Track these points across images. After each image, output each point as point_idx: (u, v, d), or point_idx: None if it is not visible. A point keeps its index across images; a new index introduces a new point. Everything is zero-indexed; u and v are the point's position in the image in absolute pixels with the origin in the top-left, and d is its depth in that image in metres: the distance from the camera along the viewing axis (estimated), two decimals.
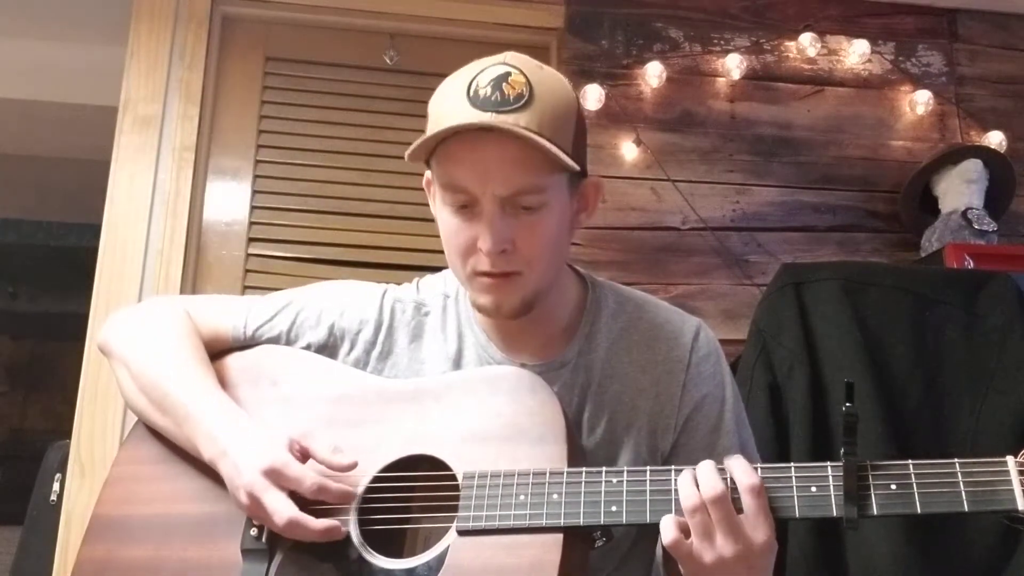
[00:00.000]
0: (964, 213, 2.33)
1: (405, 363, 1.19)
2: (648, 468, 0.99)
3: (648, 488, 0.97)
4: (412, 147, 1.05)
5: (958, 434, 1.67)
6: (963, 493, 0.90)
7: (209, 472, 1.09)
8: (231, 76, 2.43)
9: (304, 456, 1.05)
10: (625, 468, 1.02)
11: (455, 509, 1.00)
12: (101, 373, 2.06)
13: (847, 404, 0.93)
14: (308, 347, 1.21)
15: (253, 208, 2.34)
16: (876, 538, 1.56)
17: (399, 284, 1.27)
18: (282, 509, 1.00)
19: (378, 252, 2.32)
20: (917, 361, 1.72)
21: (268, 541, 1.05)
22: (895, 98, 2.60)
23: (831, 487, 0.93)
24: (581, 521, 0.97)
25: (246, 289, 2.25)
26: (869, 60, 2.60)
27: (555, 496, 0.98)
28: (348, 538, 1.02)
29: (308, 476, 1.02)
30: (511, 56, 1.07)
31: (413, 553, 1.02)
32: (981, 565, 1.57)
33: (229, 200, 2.34)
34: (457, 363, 1.18)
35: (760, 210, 2.46)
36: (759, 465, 0.97)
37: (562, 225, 1.09)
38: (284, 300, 1.25)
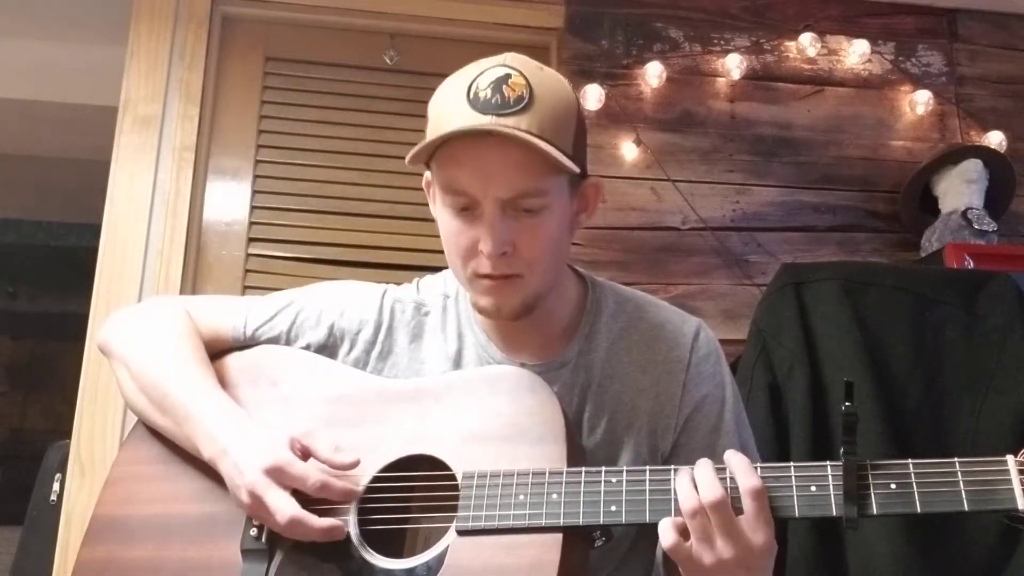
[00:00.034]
0: (964, 213, 2.33)
1: (405, 363, 1.19)
2: (647, 468, 0.99)
3: (647, 488, 0.97)
4: (413, 151, 1.05)
5: (958, 434, 1.67)
6: (963, 492, 0.90)
7: (209, 472, 1.09)
8: (231, 76, 2.43)
9: (305, 455, 1.05)
10: (624, 468, 1.02)
11: (455, 509, 1.00)
12: (101, 373, 2.06)
13: (847, 403, 0.93)
14: (308, 347, 1.21)
15: (253, 208, 2.34)
16: (876, 538, 1.56)
17: (399, 284, 1.27)
18: (284, 508, 1.00)
19: (378, 252, 2.32)
20: (917, 361, 1.72)
21: (268, 541, 1.05)
22: (895, 98, 2.60)
23: (831, 486, 0.93)
24: (580, 521, 0.97)
25: (246, 289, 2.24)
26: (869, 60, 2.60)
27: (555, 496, 0.98)
28: (348, 538, 1.02)
29: (312, 473, 1.02)
30: (511, 57, 1.07)
31: (413, 553, 1.02)
32: (981, 565, 1.57)
33: (229, 200, 2.34)
34: (457, 363, 1.18)
35: (760, 210, 2.46)
36: (759, 464, 0.96)
37: (562, 226, 1.09)
38: (284, 300, 1.25)
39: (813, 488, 0.94)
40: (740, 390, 1.23)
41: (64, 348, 4.24)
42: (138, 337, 1.20)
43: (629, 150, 2.42)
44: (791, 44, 2.59)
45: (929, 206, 2.46)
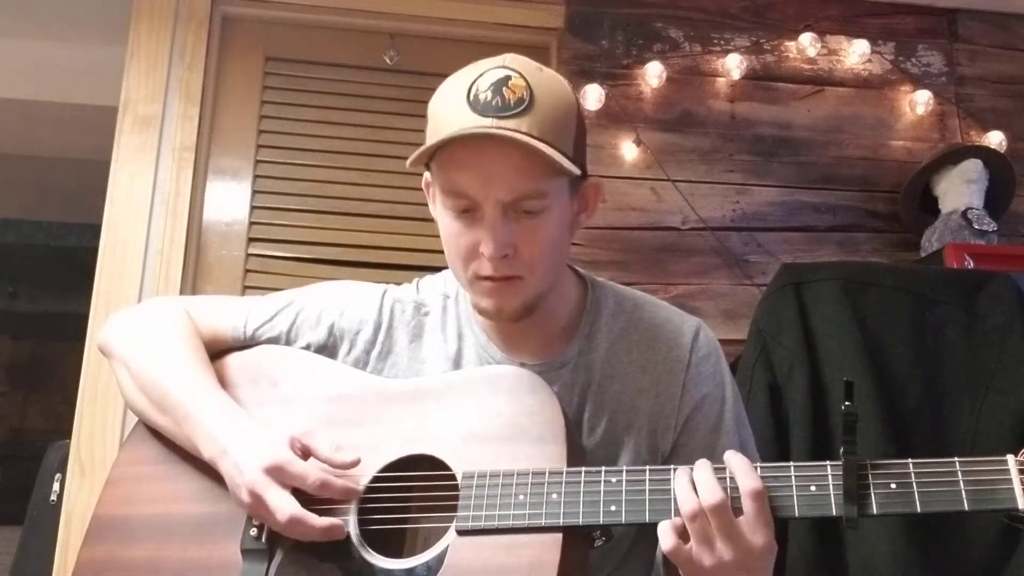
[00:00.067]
0: (964, 213, 2.33)
1: (405, 363, 1.19)
2: (647, 468, 0.99)
3: (647, 488, 0.97)
4: (414, 155, 1.05)
5: (958, 434, 1.67)
6: (963, 492, 0.90)
7: (209, 472, 1.09)
8: (231, 76, 2.43)
9: (305, 454, 1.05)
10: (624, 468, 1.02)
11: (455, 509, 1.00)
12: (101, 373, 2.06)
13: (846, 403, 0.93)
14: (308, 347, 1.21)
15: (253, 208, 2.34)
16: (876, 538, 1.56)
17: (399, 284, 1.27)
18: (284, 507, 1.00)
19: (378, 252, 2.32)
20: (917, 361, 1.72)
21: (268, 541, 1.05)
22: (895, 98, 2.60)
23: (831, 486, 0.93)
24: (580, 521, 0.97)
25: (246, 289, 2.24)
26: (869, 60, 2.60)
27: (554, 496, 0.98)
28: (348, 538, 1.02)
29: (312, 472, 1.02)
30: (511, 59, 1.07)
31: (413, 553, 1.02)
32: (981, 565, 1.57)
33: (229, 200, 2.34)
34: (457, 363, 1.18)
35: (760, 210, 2.46)
36: (759, 464, 0.97)
37: (563, 227, 1.09)
38: (284, 300, 1.25)
39: (813, 488, 0.94)
40: (740, 390, 1.23)
41: (64, 348, 4.24)
42: (138, 337, 1.20)
43: (629, 150, 2.42)
44: (791, 44, 2.59)
45: (929, 206, 2.46)
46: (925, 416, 1.69)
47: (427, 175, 1.13)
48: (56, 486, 2.17)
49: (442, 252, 1.11)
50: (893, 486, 0.92)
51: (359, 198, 2.37)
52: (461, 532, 0.99)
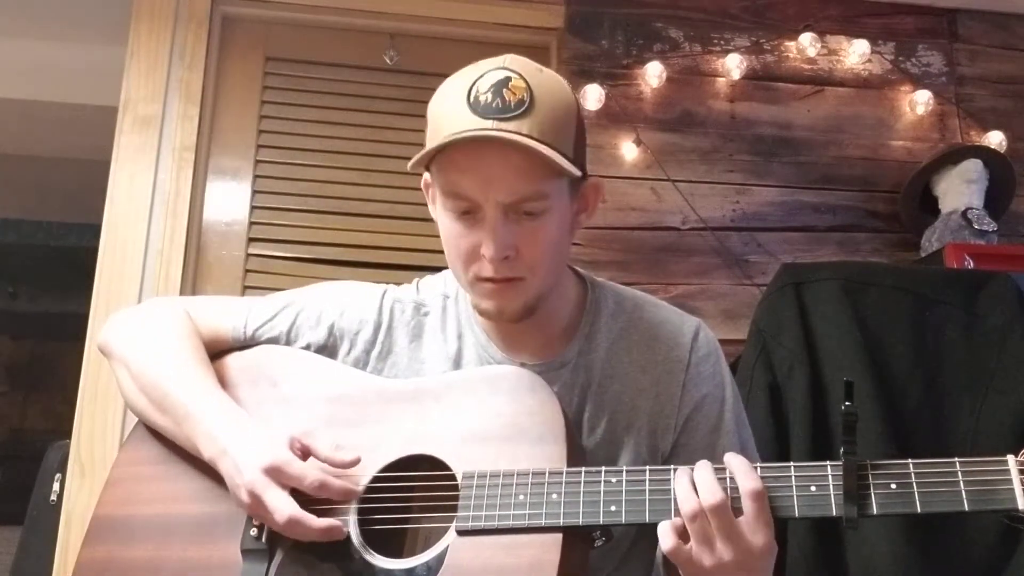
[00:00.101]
0: (964, 213, 2.33)
1: (405, 363, 1.19)
2: (647, 468, 0.99)
3: (647, 488, 0.97)
4: (415, 158, 1.05)
5: (958, 434, 1.67)
6: (963, 492, 0.90)
7: (209, 472, 1.09)
8: (231, 76, 2.43)
9: (305, 454, 1.05)
10: (624, 468, 1.02)
11: (455, 509, 1.00)
12: (101, 373, 2.06)
13: (846, 403, 0.93)
14: (308, 347, 1.21)
15: (253, 208, 2.34)
16: (876, 538, 1.56)
17: (399, 284, 1.27)
18: (283, 507, 1.00)
19: (378, 252, 2.32)
20: (917, 361, 1.72)
21: (268, 541, 1.05)
22: (895, 98, 2.60)
23: (831, 486, 0.93)
24: (580, 521, 0.97)
25: (246, 289, 2.25)
26: (869, 60, 2.60)
27: (554, 496, 0.98)
28: (348, 538, 1.02)
29: (310, 473, 1.02)
30: (510, 60, 1.06)
31: (413, 553, 1.02)
32: (981, 565, 1.57)
33: (229, 200, 2.34)
34: (457, 363, 1.18)
35: (760, 210, 2.46)
36: (759, 465, 0.97)
37: (563, 228, 1.09)
38: (284, 301, 1.25)
39: (813, 488, 0.94)
40: (740, 390, 1.23)
41: (64, 348, 4.24)
42: (138, 338, 1.20)
43: (629, 150, 2.42)
44: (791, 44, 2.59)
45: (929, 206, 2.46)
46: (925, 416, 1.69)
47: (426, 176, 1.13)
48: (56, 486, 2.17)
49: (442, 252, 1.11)
50: (893, 486, 0.92)
51: (359, 198, 2.37)
52: (461, 532, 0.99)
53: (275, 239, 2.32)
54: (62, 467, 2.10)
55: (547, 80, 1.06)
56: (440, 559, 0.98)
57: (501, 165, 1.01)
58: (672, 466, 0.98)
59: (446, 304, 1.23)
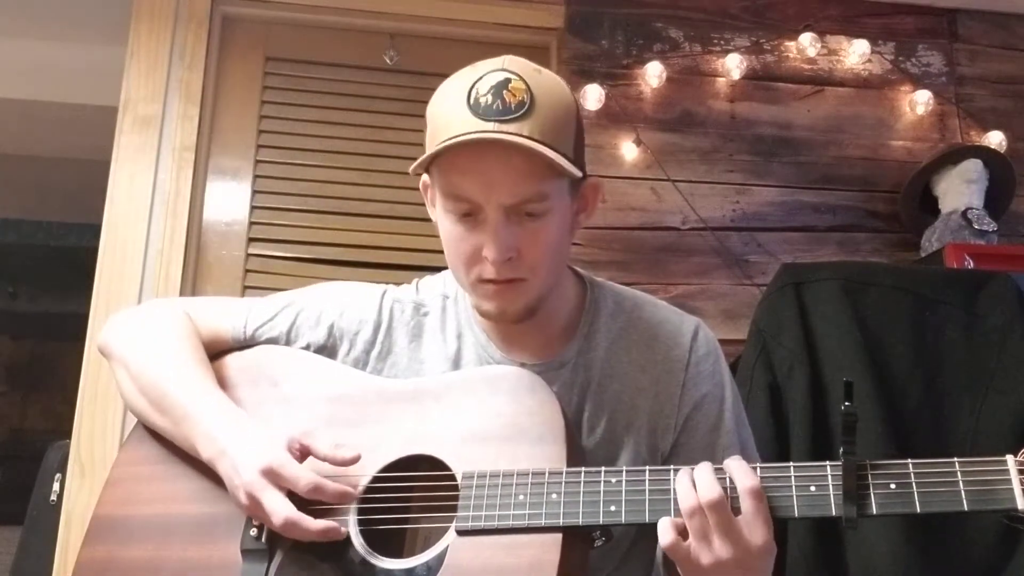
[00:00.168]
0: (964, 213, 2.33)
1: (405, 363, 1.19)
2: (647, 468, 0.99)
3: (647, 488, 0.97)
4: (417, 162, 1.05)
5: (958, 434, 1.67)
6: (962, 492, 0.90)
7: (209, 472, 1.09)
8: (231, 76, 2.43)
9: (304, 455, 1.05)
10: (624, 468, 1.02)
11: (455, 509, 1.00)
12: (101, 373, 2.06)
13: (846, 403, 0.93)
14: (307, 347, 1.21)
15: (253, 208, 2.34)
16: (876, 538, 1.56)
17: (399, 284, 1.27)
18: (280, 509, 1.00)
19: (378, 252, 2.32)
20: (917, 361, 1.72)
21: (268, 541, 1.05)
22: (895, 98, 2.60)
23: (830, 486, 0.93)
24: (580, 521, 0.97)
25: (246, 289, 2.25)
26: (869, 60, 2.60)
27: (554, 496, 0.98)
28: (348, 538, 1.02)
29: (304, 476, 1.02)
30: (509, 61, 1.06)
31: (412, 553, 1.02)
32: (981, 565, 1.57)
33: (229, 200, 2.34)
34: (456, 363, 1.18)
35: (760, 210, 2.46)
36: (758, 465, 0.97)
37: (563, 228, 1.09)
38: (284, 301, 1.25)
39: (812, 488, 0.94)
40: (740, 390, 1.24)
41: (64, 348, 4.25)
42: (138, 338, 1.20)
43: (629, 150, 2.42)
44: (791, 44, 2.59)
45: (929, 206, 2.46)
46: (925, 416, 1.69)
47: (425, 178, 1.14)
48: (56, 486, 2.17)
49: (442, 252, 1.11)
50: (893, 486, 0.92)
51: (359, 198, 2.37)
52: (461, 532, 0.99)
53: (275, 239, 2.32)
54: (62, 467, 2.10)
55: (546, 81, 1.06)
56: (440, 559, 0.98)
57: (502, 167, 1.01)
58: (672, 466, 0.98)
59: (445, 304, 1.23)
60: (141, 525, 1.11)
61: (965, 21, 2.71)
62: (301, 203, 2.35)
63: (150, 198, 2.24)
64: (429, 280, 1.27)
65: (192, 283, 2.25)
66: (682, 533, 0.94)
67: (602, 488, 0.98)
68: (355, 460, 1.05)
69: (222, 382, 1.16)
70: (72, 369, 2.16)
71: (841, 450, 0.93)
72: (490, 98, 1.01)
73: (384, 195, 2.36)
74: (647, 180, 2.42)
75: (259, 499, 1.00)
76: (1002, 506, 0.89)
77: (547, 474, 0.99)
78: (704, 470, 0.96)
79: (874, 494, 0.92)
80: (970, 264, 2.18)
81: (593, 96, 2.41)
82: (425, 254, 2.23)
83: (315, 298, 1.24)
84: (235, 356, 1.21)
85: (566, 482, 0.98)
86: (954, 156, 2.41)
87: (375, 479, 1.06)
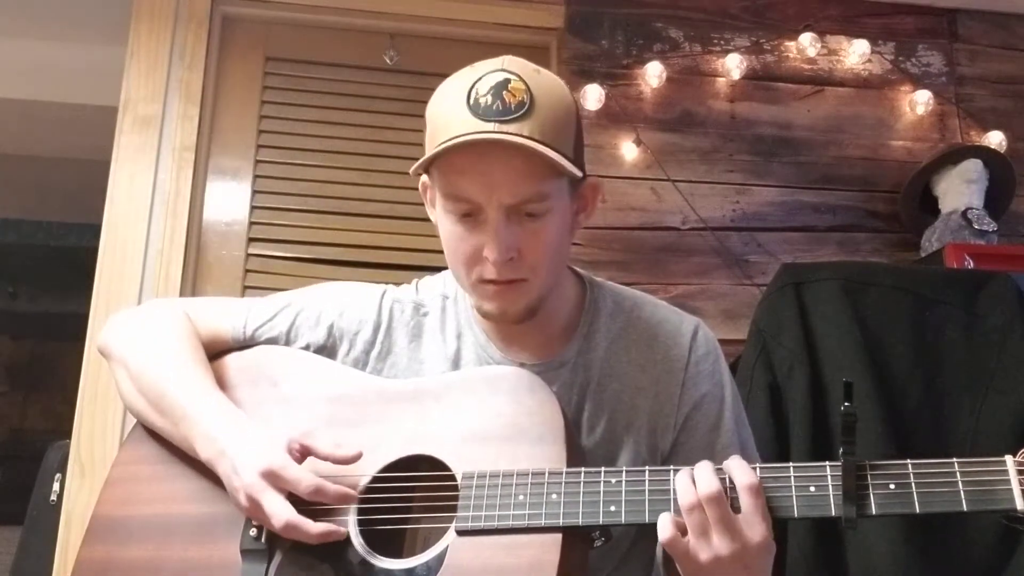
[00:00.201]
0: (964, 213, 2.33)
1: (404, 363, 1.19)
2: (647, 468, 0.99)
3: (647, 488, 0.97)
4: (417, 163, 1.05)
5: (958, 434, 1.67)
6: (962, 493, 0.90)
7: (209, 472, 1.08)
8: (231, 76, 2.43)
9: (304, 456, 1.05)
10: (624, 468, 1.02)
11: (454, 509, 1.00)
12: (101, 373, 2.06)
13: (846, 404, 0.93)
14: (307, 347, 1.21)
15: (253, 208, 2.34)
16: (876, 538, 1.56)
17: (399, 284, 1.27)
18: (280, 512, 1.00)
19: (378, 252, 2.32)
20: (917, 361, 1.72)
21: (267, 541, 1.05)
22: (895, 98, 2.61)
23: (830, 487, 0.93)
24: (580, 521, 0.97)
25: (246, 289, 2.25)
26: (869, 60, 2.60)
27: (554, 496, 0.98)
28: (348, 538, 1.02)
29: (305, 478, 1.01)
30: (508, 61, 1.06)
31: (412, 553, 1.02)
32: (981, 565, 1.57)
33: (229, 200, 2.34)
34: (456, 363, 1.18)
35: (760, 210, 2.46)
36: (758, 465, 0.97)
37: (564, 228, 1.09)
38: (284, 301, 1.25)
39: (812, 488, 0.94)
40: (740, 390, 1.24)
41: (64, 348, 4.25)
42: (137, 339, 1.20)
43: (629, 150, 2.42)
44: (791, 44, 2.59)
45: (929, 206, 2.46)
46: (925, 416, 1.69)
47: (424, 179, 1.14)
48: (56, 486, 2.17)
49: (442, 252, 1.11)
50: (892, 487, 0.92)
51: (359, 198, 2.37)
52: (461, 532, 0.99)
53: (275, 239, 2.32)
54: (62, 467, 2.10)
55: (545, 81, 1.06)
56: (440, 559, 0.98)
57: (503, 167, 1.01)
58: (672, 467, 0.99)
59: (445, 304, 1.23)
60: (141, 525, 1.11)
61: (965, 21, 2.71)
62: (301, 203, 2.35)
63: (150, 198, 2.24)
64: (429, 280, 1.27)
65: (192, 283, 2.25)
66: (681, 529, 0.94)
67: (602, 488, 0.98)
68: (357, 458, 1.05)
69: (221, 382, 1.16)
70: (72, 369, 2.16)
71: (841, 450, 0.93)
72: (490, 98, 1.01)
73: (384, 195, 2.36)
74: (647, 180, 2.42)
75: (259, 501, 1.00)
76: (1001, 506, 0.89)
77: (547, 474, 0.99)
78: (704, 467, 0.96)
79: (873, 494, 0.92)
80: (970, 264, 2.18)
81: (593, 96, 2.41)
82: (425, 254, 2.23)
83: (315, 298, 1.24)
84: (235, 356, 1.21)
85: (566, 482, 0.99)
86: (954, 156, 2.41)
87: (375, 479, 1.06)
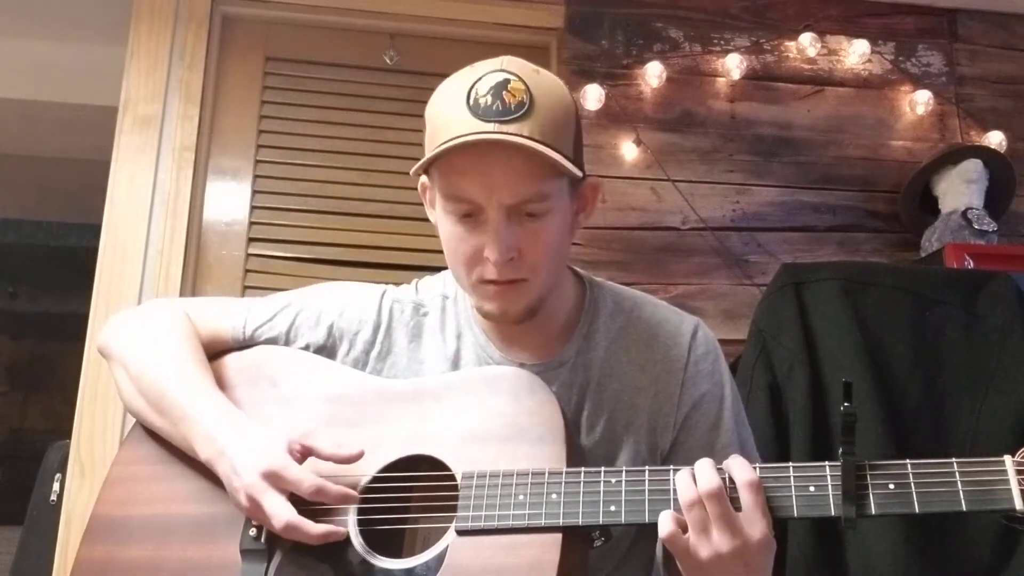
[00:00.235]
0: (964, 213, 2.33)
1: (404, 363, 1.19)
2: (647, 468, 0.99)
3: (647, 488, 0.97)
4: (418, 164, 1.05)
5: (958, 434, 1.67)
6: (961, 493, 0.90)
7: (208, 472, 1.08)
8: (231, 76, 2.43)
9: (305, 455, 1.05)
10: (624, 468, 1.02)
11: (454, 509, 1.00)
12: (101, 373, 2.06)
13: (845, 404, 0.93)
14: (307, 347, 1.21)
15: (253, 208, 2.34)
16: (876, 538, 1.56)
17: (399, 284, 1.27)
18: (280, 512, 1.00)
19: (378, 252, 2.32)
20: (917, 361, 1.72)
21: (267, 541, 1.05)
22: (895, 98, 2.61)
23: (829, 486, 0.94)
24: (580, 521, 0.97)
25: (246, 289, 2.25)
26: (869, 60, 2.60)
27: (554, 496, 0.98)
28: (347, 538, 1.02)
29: (306, 478, 1.01)
30: (507, 61, 1.06)
31: (412, 553, 1.02)
32: (981, 565, 1.57)
33: (229, 200, 2.34)
34: (455, 363, 1.18)
35: (760, 210, 2.46)
36: (758, 465, 0.97)
37: (564, 228, 1.10)
38: (283, 301, 1.25)
39: (812, 488, 0.94)
40: (740, 390, 1.24)
41: (64, 348, 4.25)
42: (137, 339, 1.20)
43: (629, 150, 2.42)
44: (791, 44, 2.59)
45: (929, 206, 2.46)
46: (925, 416, 1.69)
47: (423, 179, 1.14)
48: (56, 486, 2.17)
49: (442, 252, 1.11)
50: (891, 486, 0.92)
51: (359, 198, 2.37)
52: (461, 532, 0.99)
53: (275, 239, 2.32)
54: (62, 467, 2.10)
55: (545, 81, 1.06)
56: (440, 559, 0.98)
57: (503, 167, 1.01)
58: (671, 466, 0.99)
59: (445, 304, 1.23)
60: (140, 525, 1.11)
61: (965, 21, 2.71)
62: (301, 203, 2.35)
63: (150, 198, 2.24)
64: (428, 280, 1.27)
65: (192, 283, 2.25)
66: (682, 526, 0.94)
67: (602, 488, 0.98)
68: (359, 457, 1.05)
69: (221, 382, 1.16)
70: (72, 369, 2.16)
71: (840, 450, 0.93)
72: (490, 99, 1.02)
73: (384, 195, 2.36)
74: (647, 180, 2.42)
75: (260, 502, 1.00)
76: (1000, 506, 0.89)
77: (547, 474, 0.99)
78: (704, 464, 0.96)
79: (873, 494, 0.92)
80: (970, 264, 2.18)
81: (593, 96, 2.41)
82: (425, 254, 2.23)
83: (314, 298, 1.24)
84: (234, 356, 1.21)
85: (566, 482, 0.99)
86: (954, 156, 2.41)
87: (375, 479, 1.06)
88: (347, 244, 2.33)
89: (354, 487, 1.04)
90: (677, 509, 0.95)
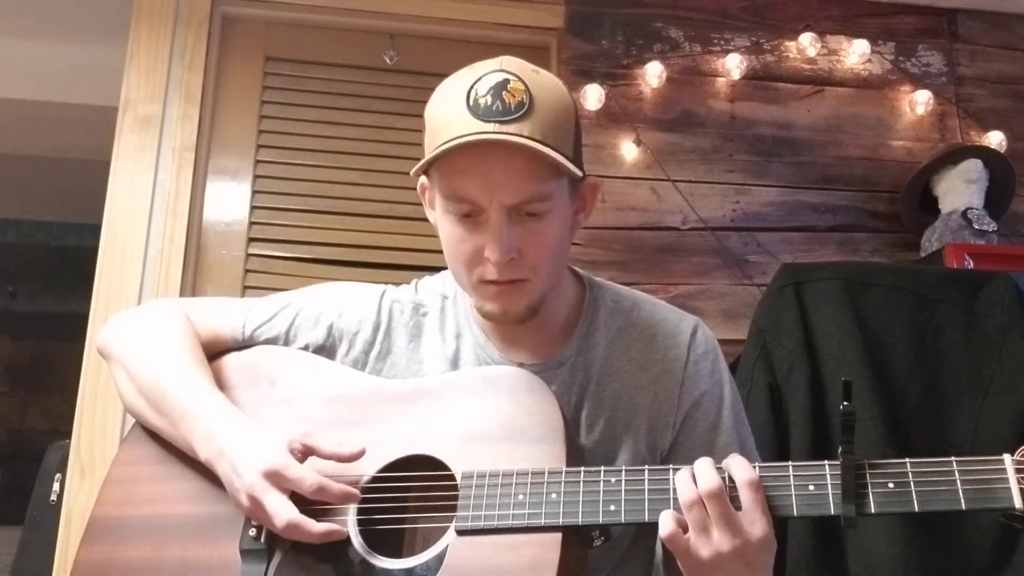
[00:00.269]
0: (964, 213, 2.33)
1: (404, 363, 1.19)
2: (646, 467, 0.99)
3: (646, 487, 0.98)
4: (418, 165, 1.05)
5: (958, 434, 1.67)
6: (960, 491, 0.90)
7: (208, 472, 1.08)
8: (231, 76, 2.43)
9: (305, 455, 1.05)
10: (623, 467, 1.02)
11: (454, 509, 1.00)
12: (101, 373, 2.05)
13: (845, 403, 0.93)
14: (306, 347, 1.21)
15: (253, 208, 2.34)
16: (876, 538, 1.56)
17: (399, 284, 1.27)
18: (282, 512, 1.00)
19: (378, 252, 2.32)
20: (917, 361, 1.72)
21: (267, 541, 1.05)
22: (895, 98, 2.61)
23: (829, 486, 0.94)
24: (580, 520, 0.97)
25: (246, 289, 2.25)
26: (869, 60, 2.60)
27: (554, 496, 0.98)
28: (347, 538, 1.02)
29: (308, 477, 1.01)
30: (507, 61, 1.07)
31: (412, 553, 1.02)
32: (981, 565, 1.57)
33: (229, 200, 2.34)
34: (455, 363, 1.18)
35: (760, 210, 2.46)
36: (757, 464, 0.97)
37: (564, 228, 1.10)
38: (283, 301, 1.25)
39: (811, 487, 0.94)
40: (740, 390, 1.24)
41: (64, 348, 4.25)
42: (137, 339, 1.20)
43: (629, 150, 2.42)
44: (791, 44, 2.59)
45: (929, 206, 2.46)
46: (925, 416, 1.69)
47: (423, 180, 1.14)
48: (56, 486, 2.17)
49: (442, 252, 1.11)
50: (891, 485, 0.92)
51: (359, 198, 2.37)
52: (460, 532, 0.99)
53: (275, 239, 2.32)
54: (62, 467, 2.10)
55: (544, 81, 1.06)
56: (440, 559, 0.98)
57: (504, 168, 1.01)
58: (671, 466, 0.99)
59: (444, 305, 1.23)
60: (140, 525, 1.11)
61: (965, 21, 2.71)
62: (301, 203, 2.35)
63: (150, 198, 2.24)
64: (428, 280, 1.27)
65: (192, 283, 2.25)
66: (682, 525, 0.94)
67: (601, 488, 0.98)
68: (360, 455, 1.05)
69: (221, 382, 1.16)
70: (72, 369, 2.16)
71: (840, 449, 0.93)
72: (489, 99, 1.02)
73: (384, 195, 2.36)
74: (647, 180, 2.42)
75: (261, 501, 1.00)
76: (999, 505, 0.90)
77: (546, 474, 0.99)
78: (704, 463, 0.96)
79: (872, 493, 0.92)
80: (970, 264, 2.18)
81: (593, 96, 2.41)
82: (425, 254, 2.23)
83: (314, 298, 1.24)
84: (234, 356, 1.21)
85: (565, 482, 0.99)
86: (954, 156, 2.41)
87: (374, 479, 1.06)
88: (347, 244, 2.33)
89: (354, 486, 1.04)
90: (677, 508, 0.95)
